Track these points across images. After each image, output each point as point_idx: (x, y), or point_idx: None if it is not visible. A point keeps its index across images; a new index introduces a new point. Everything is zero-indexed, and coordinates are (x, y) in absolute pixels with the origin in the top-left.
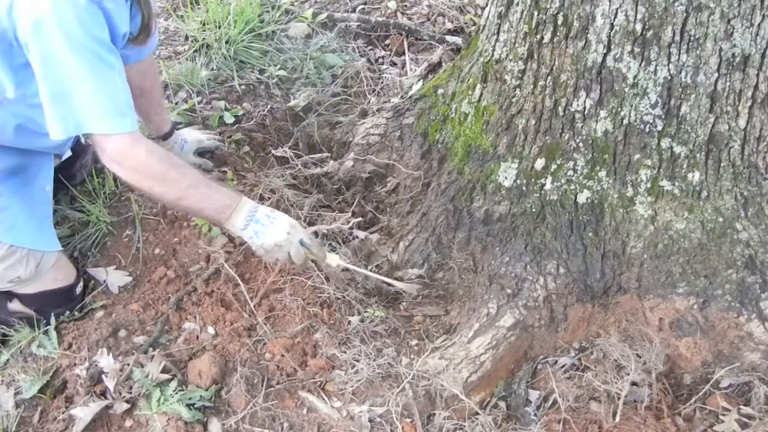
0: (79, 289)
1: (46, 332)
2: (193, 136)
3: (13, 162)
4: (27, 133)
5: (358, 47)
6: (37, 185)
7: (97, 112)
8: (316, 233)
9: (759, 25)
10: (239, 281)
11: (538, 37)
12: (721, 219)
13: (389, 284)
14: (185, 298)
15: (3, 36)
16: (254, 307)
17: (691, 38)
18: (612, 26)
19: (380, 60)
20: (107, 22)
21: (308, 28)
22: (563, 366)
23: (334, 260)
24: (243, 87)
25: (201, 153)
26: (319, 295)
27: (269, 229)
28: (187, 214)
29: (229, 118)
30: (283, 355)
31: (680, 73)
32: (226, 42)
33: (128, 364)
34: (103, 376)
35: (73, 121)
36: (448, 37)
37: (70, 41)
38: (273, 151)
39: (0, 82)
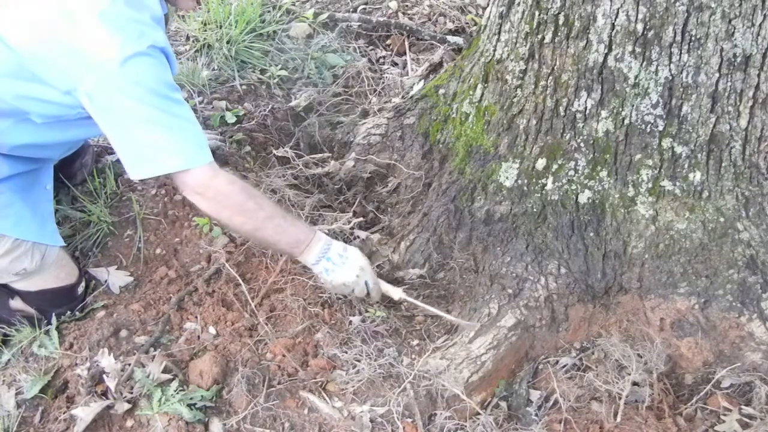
0: (81, 289)
1: (47, 332)
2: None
3: (22, 169)
4: (36, 147)
5: (359, 47)
6: (39, 184)
7: (175, 152)
8: None
9: (760, 25)
10: (240, 281)
11: (540, 37)
12: (722, 219)
13: (449, 320)
14: (186, 298)
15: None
16: (255, 307)
17: (693, 38)
18: (613, 26)
19: (381, 60)
20: (168, 62)
21: (309, 28)
22: (564, 366)
23: (396, 294)
24: (244, 87)
25: None
26: (320, 294)
27: (340, 269)
28: (260, 244)
29: (230, 118)
30: (284, 355)
31: (681, 73)
32: (228, 42)
33: (129, 364)
34: (104, 376)
35: (151, 165)
36: (450, 37)
37: (140, 91)
38: (274, 151)
39: (29, 110)
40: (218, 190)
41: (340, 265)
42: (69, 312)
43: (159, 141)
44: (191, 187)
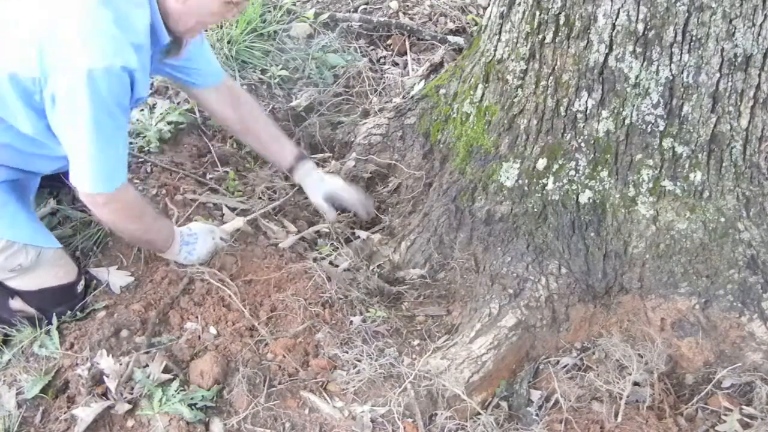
0: (80, 288)
1: (47, 332)
2: (333, 182)
3: (13, 176)
4: (19, 154)
5: (359, 47)
6: (26, 191)
7: (105, 171)
8: (318, 232)
9: (761, 25)
10: (241, 281)
11: (540, 37)
12: (722, 219)
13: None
14: (187, 298)
15: (32, 84)
16: (256, 306)
17: (693, 38)
18: (614, 26)
19: (382, 60)
20: (131, 88)
21: (310, 28)
22: (565, 366)
23: (239, 223)
24: (245, 87)
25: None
26: (321, 294)
27: (199, 245)
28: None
29: None
30: (285, 355)
31: (682, 73)
32: (228, 42)
33: (130, 365)
34: (104, 376)
35: (84, 178)
36: (450, 37)
37: (95, 107)
38: None
39: (16, 120)
40: (125, 204)
41: (195, 239)
42: (69, 312)
43: (93, 161)
44: (102, 202)
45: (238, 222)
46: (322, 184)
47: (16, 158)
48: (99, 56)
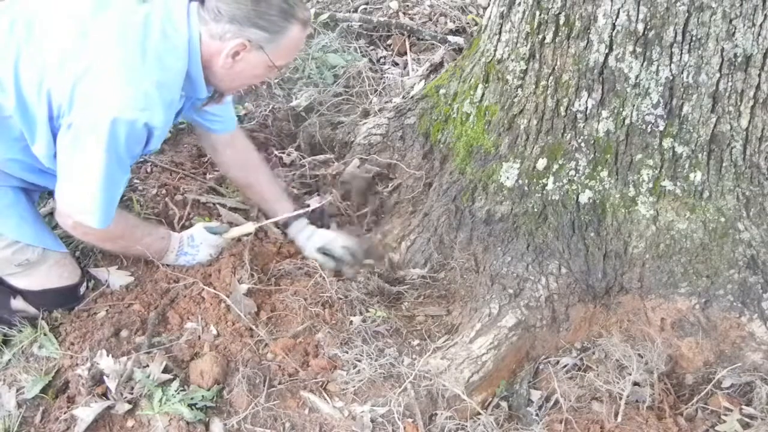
0: (83, 289)
1: (48, 331)
2: (323, 235)
3: (21, 184)
4: (35, 171)
5: (360, 47)
6: (35, 196)
7: (101, 209)
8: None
9: (761, 25)
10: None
11: (540, 37)
12: (722, 219)
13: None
14: (187, 298)
15: (58, 107)
16: (257, 306)
17: (693, 38)
18: (614, 26)
19: (382, 60)
20: (146, 140)
21: (310, 28)
22: (565, 366)
23: (247, 228)
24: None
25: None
26: (321, 294)
27: (200, 253)
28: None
29: None
30: (285, 356)
31: (682, 73)
32: None
33: (129, 365)
34: (104, 376)
35: (79, 208)
36: (450, 37)
37: (109, 153)
38: (276, 152)
39: (35, 140)
40: (104, 233)
41: (197, 250)
42: (70, 312)
43: (97, 196)
44: (83, 231)
45: (248, 227)
46: (313, 239)
47: (26, 174)
48: (127, 108)
